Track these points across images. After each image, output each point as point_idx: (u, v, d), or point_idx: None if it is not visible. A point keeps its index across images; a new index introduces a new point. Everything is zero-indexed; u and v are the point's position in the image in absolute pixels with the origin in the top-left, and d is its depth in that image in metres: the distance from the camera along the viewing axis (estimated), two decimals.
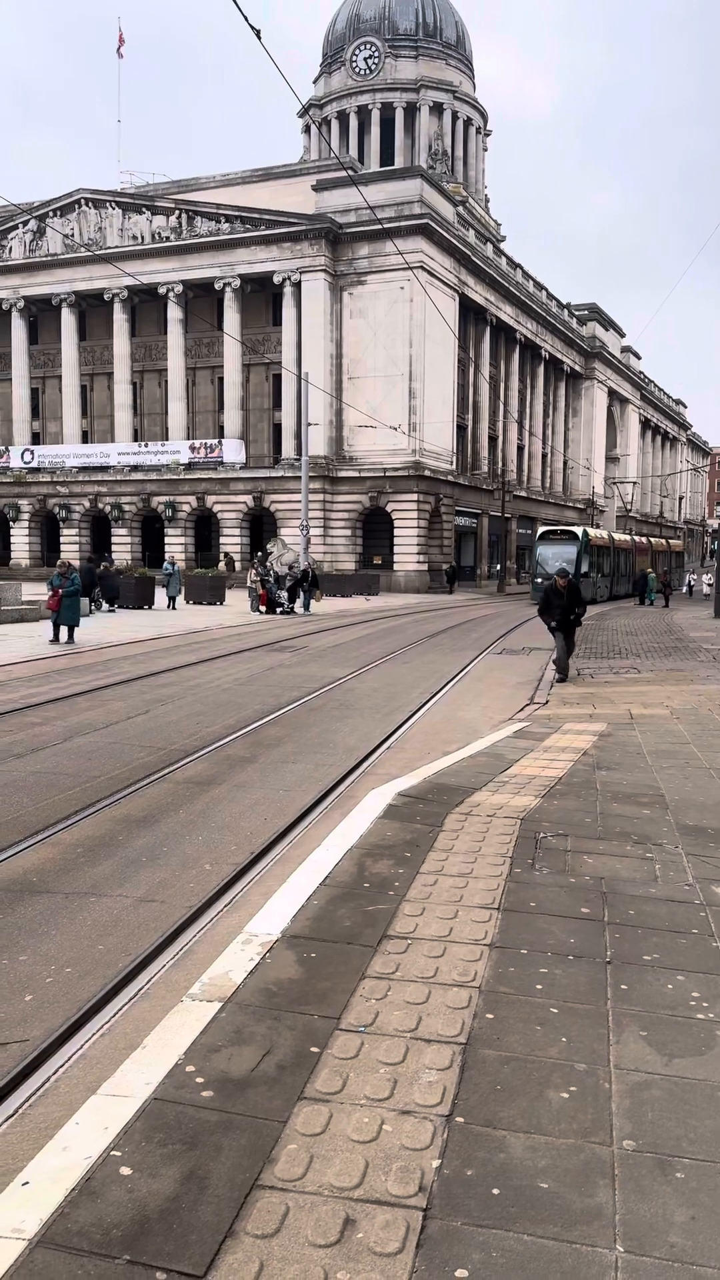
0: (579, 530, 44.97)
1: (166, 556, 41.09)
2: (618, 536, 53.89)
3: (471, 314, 58.82)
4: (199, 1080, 3.46)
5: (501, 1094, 3.42)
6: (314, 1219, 2.76)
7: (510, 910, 5.17)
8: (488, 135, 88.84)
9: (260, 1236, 2.69)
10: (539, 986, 4.27)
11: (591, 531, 47.18)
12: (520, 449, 68.16)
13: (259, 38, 12.28)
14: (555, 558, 39.79)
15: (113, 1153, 3.05)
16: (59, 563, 22.18)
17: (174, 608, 33.22)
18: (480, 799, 7.55)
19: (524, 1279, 2.54)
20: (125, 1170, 2.97)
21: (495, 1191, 2.89)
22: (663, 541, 66.80)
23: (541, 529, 47.06)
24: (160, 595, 34.50)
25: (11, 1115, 3.55)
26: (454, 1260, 2.61)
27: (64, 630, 20.53)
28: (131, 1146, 3.08)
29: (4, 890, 5.82)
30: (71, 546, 57.90)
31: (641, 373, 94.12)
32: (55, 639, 20.44)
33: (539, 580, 39.82)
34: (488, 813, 7.13)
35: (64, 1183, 2.91)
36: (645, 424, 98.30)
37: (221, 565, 49.07)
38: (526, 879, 5.70)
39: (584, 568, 40.96)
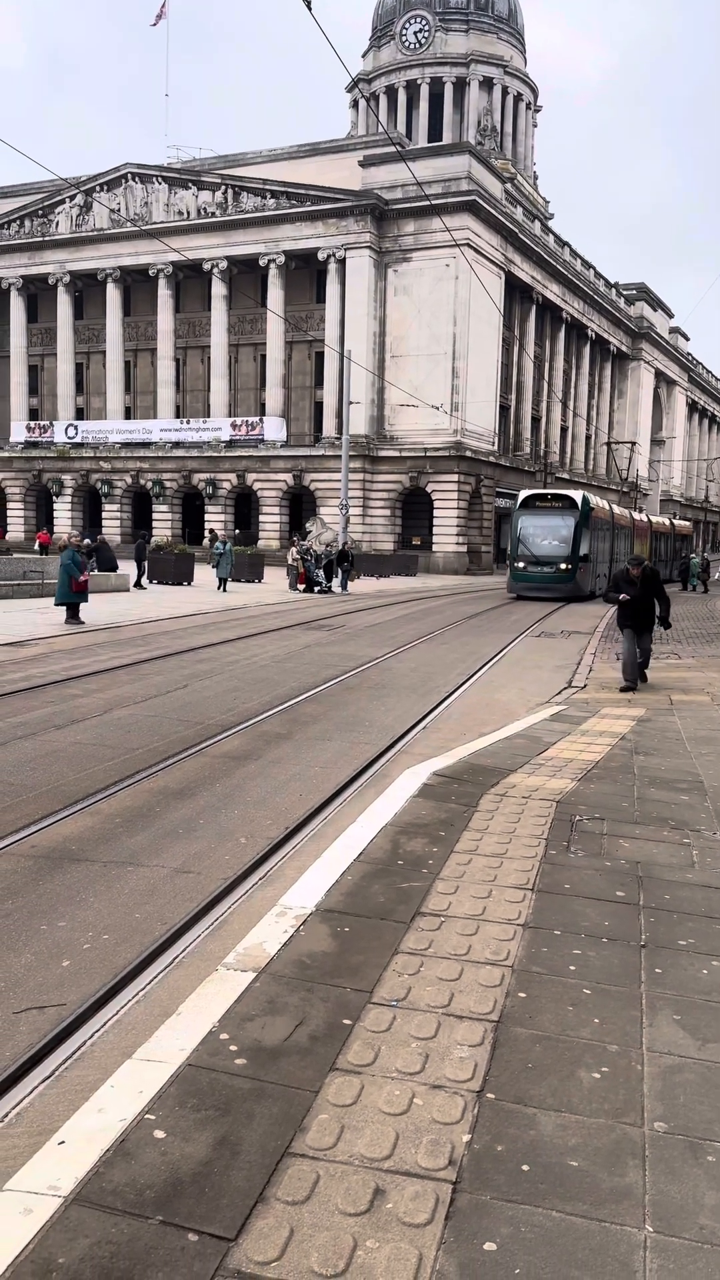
0: (577, 496, 33.90)
1: (219, 535, 39.29)
2: (617, 509, 41.99)
3: (517, 292, 58.20)
4: (233, 1048, 3.50)
5: (533, 1072, 3.43)
6: (344, 1188, 2.78)
7: (545, 891, 5.16)
8: (537, 111, 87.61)
9: (291, 1203, 2.72)
10: (572, 967, 4.27)
11: (595, 500, 36.27)
12: (564, 430, 67.49)
13: (309, 8, 12.18)
14: (543, 534, 32.43)
15: (147, 1116, 3.09)
16: (84, 543, 20.88)
17: (225, 590, 30.52)
18: (516, 780, 7.53)
19: (552, 1254, 2.55)
20: (159, 1133, 3.01)
21: (525, 1168, 2.90)
22: (664, 522, 54.83)
23: (524, 494, 34.94)
24: (200, 573, 34.61)
25: (48, 1077, 3.62)
26: (482, 1233, 2.62)
27: (69, 609, 19.50)
28: (165, 1110, 3.13)
29: (44, 857, 5.91)
30: (113, 522, 58.44)
31: (690, 354, 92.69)
32: (74, 619, 19.39)
33: (519, 565, 32.99)
34: (523, 794, 7.11)
35: (99, 1143, 2.96)
36: (692, 406, 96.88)
37: (206, 541, 46.55)
38: (561, 861, 5.68)
39: (583, 549, 32.62)
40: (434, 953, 4.35)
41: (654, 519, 51.53)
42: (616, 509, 41.78)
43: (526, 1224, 2.66)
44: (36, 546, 37.96)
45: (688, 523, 71.56)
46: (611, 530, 38.42)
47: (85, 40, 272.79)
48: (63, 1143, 2.98)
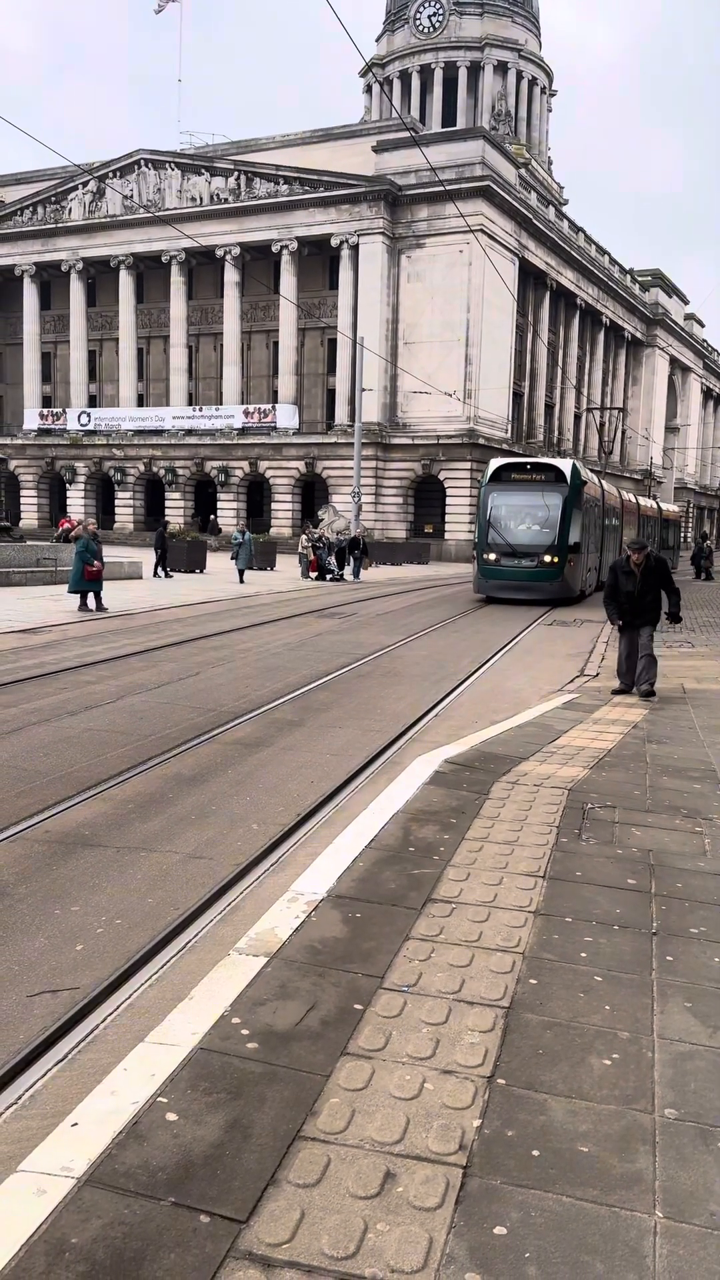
0: (565, 466, 25.58)
1: (237, 525, 38.72)
2: (607, 486, 33.56)
3: (531, 278, 57.86)
4: (244, 1032, 3.52)
5: (543, 1058, 3.43)
6: (355, 1171, 2.80)
7: (556, 879, 5.16)
8: (552, 95, 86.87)
9: (302, 1186, 2.73)
10: (583, 954, 4.27)
11: (587, 473, 27.93)
12: (577, 417, 67.16)
13: None
14: (521, 516, 25.05)
15: (159, 1099, 3.11)
16: (89, 529, 20.36)
17: (244, 581, 29.36)
18: (528, 768, 7.53)
19: (562, 1239, 2.56)
20: (171, 1116, 3.03)
21: (535, 1153, 2.91)
22: (651, 505, 46.89)
23: (495, 464, 26.47)
24: (213, 560, 34.61)
25: (62, 1060, 3.65)
26: (493, 1218, 2.63)
27: (91, 597, 19.48)
28: (177, 1094, 3.14)
29: (58, 842, 5.94)
30: (126, 510, 58.53)
31: (705, 341, 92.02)
32: (85, 606, 19.30)
33: (489, 558, 25.35)
34: (535, 782, 7.11)
35: (112, 1125, 2.98)
36: (707, 394, 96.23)
37: (215, 531, 45.52)
38: (573, 849, 5.68)
39: (573, 535, 24.86)
40: (445, 939, 4.36)
41: (642, 501, 43.92)
42: (607, 485, 33.32)
43: (537, 1209, 2.67)
44: (58, 533, 37.90)
45: (676, 508, 63.53)
46: (602, 512, 30.15)
47: (95, 24, 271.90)
48: (76, 1125, 3.00)
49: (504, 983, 3.97)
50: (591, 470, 34.13)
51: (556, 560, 24.60)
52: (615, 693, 11.33)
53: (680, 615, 12.18)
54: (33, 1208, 2.62)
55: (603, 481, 32.54)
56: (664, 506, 52.66)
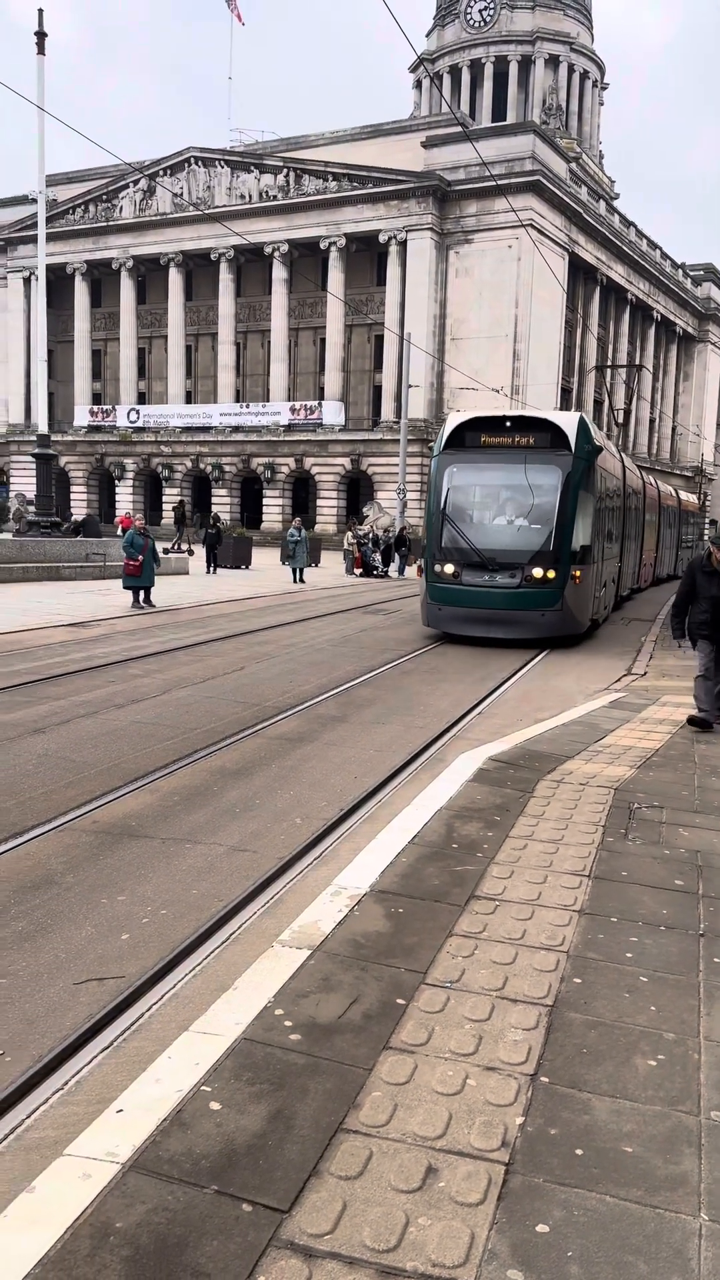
0: (567, 422, 16.38)
1: (281, 521, 38.02)
2: (627, 461, 25.12)
3: (581, 273, 57.35)
4: (287, 1024, 3.53)
5: (587, 1057, 3.41)
6: (397, 1165, 2.80)
7: (601, 878, 5.12)
8: (604, 89, 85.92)
9: (344, 1178, 2.74)
10: (629, 955, 4.23)
11: (598, 433, 18.53)
12: (627, 414, 66.38)
13: None
14: (493, 502, 16.42)
15: (203, 1088, 3.14)
16: (138, 526, 20.47)
17: (301, 580, 28.00)
18: (573, 767, 7.47)
19: (605, 1239, 2.54)
20: (215, 1105, 3.05)
21: (578, 1152, 2.89)
22: (670, 492, 37.24)
23: (455, 420, 16.90)
24: (258, 556, 34.70)
25: (108, 1047, 3.69)
26: (535, 1215, 2.62)
27: (140, 593, 19.52)
28: (221, 1083, 3.17)
29: (105, 833, 6.01)
30: (173, 506, 58.95)
31: None
32: (137, 603, 19.36)
33: (446, 570, 15.93)
34: (580, 781, 7.05)
35: (156, 1113, 3.01)
36: None
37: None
38: (619, 848, 5.63)
39: (580, 531, 15.85)
40: (488, 936, 4.34)
41: (661, 486, 34.76)
42: (626, 460, 24.81)
43: (580, 1208, 2.65)
44: (119, 531, 38.40)
45: (693, 497, 52.53)
46: (623, 496, 22.05)
47: (138, 16, 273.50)
48: (121, 1111, 3.04)
49: (548, 981, 3.94)
50: (641, 467, 28.99)
51: (552, 575, 15.43)
52: (693, 723, 9.17)
53: None
54: (79, 1191, 2.65)
55: (622, 454, 24.54)
56: (682, 495, 42.83)
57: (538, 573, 15.39)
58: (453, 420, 16.96)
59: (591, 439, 16.57)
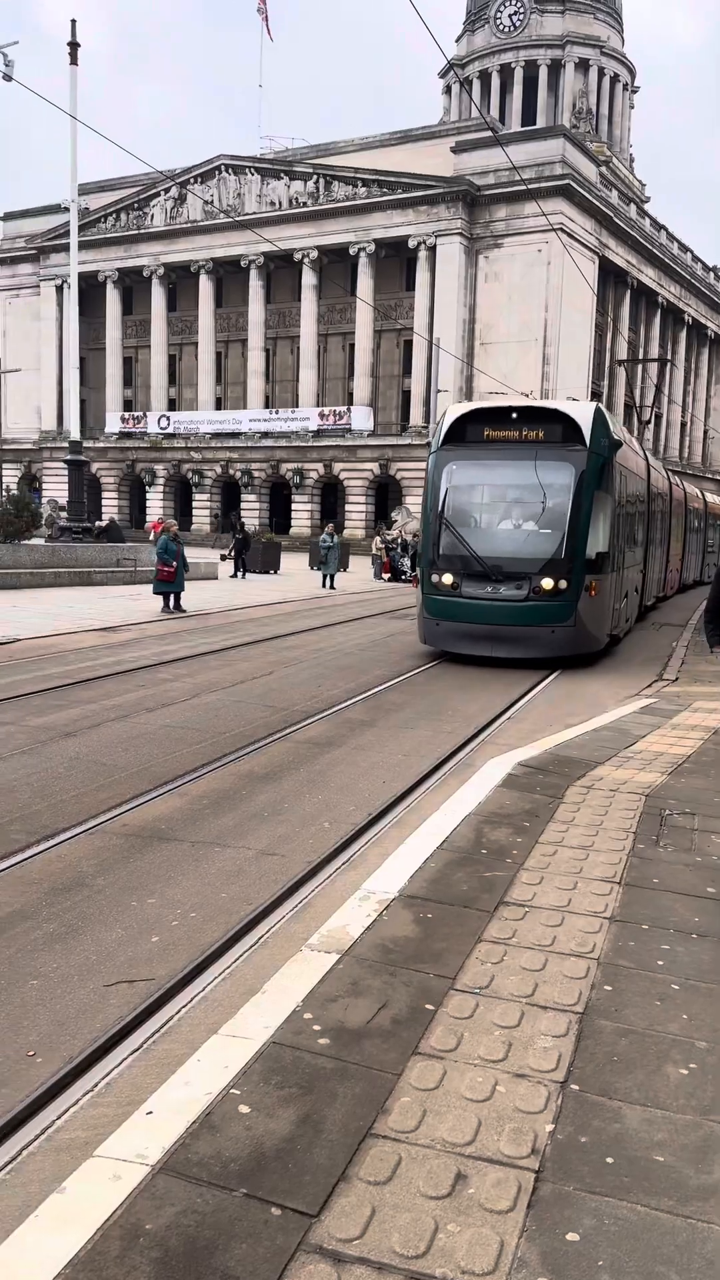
0: (581, 413, 14.46)
1: (311, 526, 37.56)
2: (652, 458, 23.71)
3: (611, 277, 57.09)
4: (316, 1028, 3.53)
5: (618, 1065, 3.38)
6: (426, 1170, 2.79)
7: (632, 885, 5.08)
8: (634, 92, 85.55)
9: (373, 1183, 2.73)
10: (660, 962, 4.19)
11: (617, 426, 16.75)
12: (658, 417, 66.00)
13: None
14: (498, 504, 14.79)
15: (232, 1091, 3.14)
16: (172, 532, 20.54)
17: (332, 586, 28.15)
18: (603, 773, 7.42)
19: (636, 1249, 2.51)
20: (244, 1108, 3.06)
21: (609, 1160, 2.87)
22: (696, 493, 34.70)
23: (454, 413, 15.01)
24: (286, 561, 34.75)
25: (138, 1049, 3.71)
26: (565, 1223, 2.60)
27: (171, 598, 19.63)
28: (250, 1086, 3.17)
29: (135, 836, 6.04)
30: (203, 512, 59.33)
31: None
32: (168, 608, 19.46)
33: (445, 582, 14.35)
34: (610, 787, 7.00)
35: (185, 1115, 3.02)
36: None
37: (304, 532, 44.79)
38: (650, 855, 5.58)
39: (597, 539, 14.23)
40: (518, 942, 4.32)
41: (688, 488, 32.41)
42: (651, 458, 23.30)
43: (610, 1216, 2.63)
44: (151, 537, 38.73)
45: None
46: (648, 496, 20.44)
47: (167, 21, 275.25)
48: (150, 1113, 3.05)
49: (578, 988, 3.91)
50: (672, 471, 27.47)
51: (564, 586, 13.89)
52: None
53: None
54: (109, 1192, 2.66)
55: (647, 453, 23.13)
56: (711, 498, 39.73)
57: (548, 584, 13.81)
58: (452, 412, 15.09)
59: (609, 432, 15.01)
